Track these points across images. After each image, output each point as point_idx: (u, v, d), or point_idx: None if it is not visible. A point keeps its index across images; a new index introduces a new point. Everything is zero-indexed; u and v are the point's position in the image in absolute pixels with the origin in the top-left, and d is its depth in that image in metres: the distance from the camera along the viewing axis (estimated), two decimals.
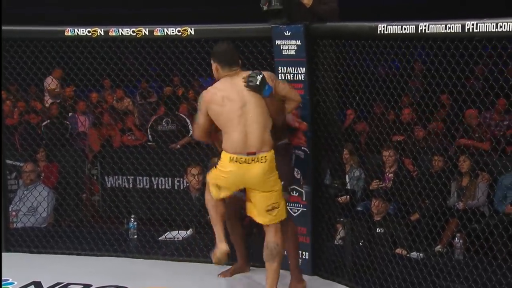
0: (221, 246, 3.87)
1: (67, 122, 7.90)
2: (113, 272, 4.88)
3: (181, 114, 7.90)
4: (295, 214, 4.74)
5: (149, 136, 7.80)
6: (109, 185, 7.32)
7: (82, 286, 4.54)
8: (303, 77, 4.58)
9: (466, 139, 6.35)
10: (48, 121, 7.86)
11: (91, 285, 4.55)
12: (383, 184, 6.00)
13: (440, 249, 5.44)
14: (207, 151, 6.57)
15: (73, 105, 8.21)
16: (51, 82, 8.53)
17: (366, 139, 5.88)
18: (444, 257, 5.10)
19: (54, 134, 6.53)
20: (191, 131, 7.53)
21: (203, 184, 5.94)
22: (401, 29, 3.88)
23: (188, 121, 7.72)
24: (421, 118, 6.35)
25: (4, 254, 5.36)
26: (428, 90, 4.18)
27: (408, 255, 5.19)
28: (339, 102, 4.60)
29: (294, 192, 4.73)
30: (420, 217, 5.64)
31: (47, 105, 8.63)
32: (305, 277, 4.66)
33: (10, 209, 5.86)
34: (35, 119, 8.04)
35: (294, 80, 4.63)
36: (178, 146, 7.43)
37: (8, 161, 6.11)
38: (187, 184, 6.33)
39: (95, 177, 7.46)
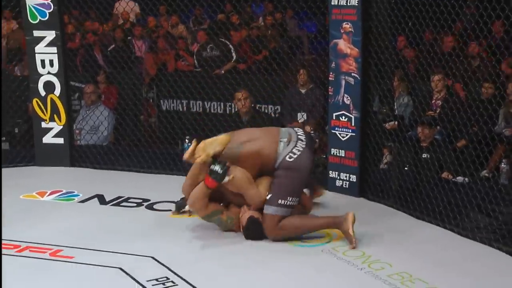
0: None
1: (132, 46, 7.96)
2: (169, 188, 5.00)
3: (224, 40, 7.77)
4: (343, 139, 4.74)
5: (195, 62, 7.78)
6: (164, 108, 7.42)
7: (141, 200, 4.70)
8: (356, 1, 4.46)
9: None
10: (113, 45, 7.94)
11: (149, 200, 4.70)
12: (432, 112, 5.89)
13: (486, 174, 5.37)
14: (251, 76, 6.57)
15: (131, 29, 8.23)
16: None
17: (417, 65, 5.75)
18: (490, 182, 5.06)
19: (121, 57, 6.58)
20: (234, 57, 7.53)
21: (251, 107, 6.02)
22: None
23: (231, 46, 7.64)
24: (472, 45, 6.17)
25: (69, 169, 5.61)
26: (484, 15, 4.00)
27: (454, 179, 5.15)
28: (391, 28, 4.48)
29: (343, 117, 4.71)
30: (468, 143, 5.56)
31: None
32: (352, 198, 4.72)
33: (74, 127, 6.05)
34: (96, 42, 8.11)
35: (347, 5, 4.53)
36: (223, 71, 7.40)
37: (72, 83, 6.24)
38: (236, 109, 6.34)
39: (151, 100, 7.56)
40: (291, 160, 3.73)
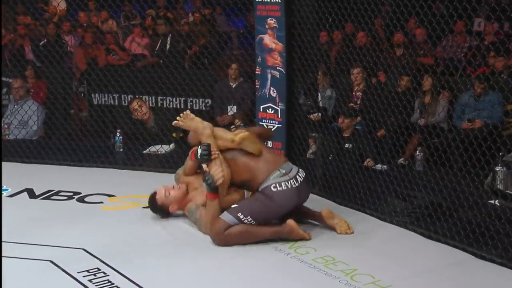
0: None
1: (64, 41, 7.75)
2: (100, 181, 4.93)
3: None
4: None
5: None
6: (95, 102, 7.27)
7: (72, 193, 4.60)
8: None
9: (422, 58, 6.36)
10: (45, 40, 7.70)
11: (80, 193, 4.61)
12: (353, 104, 6.03)
13: (402, 161, 5.56)
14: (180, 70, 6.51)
15: (59, 24, 8.01)
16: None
17: (338, 59, 5.87)
18: (406, 168, 5.24)
19: (50, 52, 6.38)
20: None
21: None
22: None
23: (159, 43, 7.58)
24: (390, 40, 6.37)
25: None
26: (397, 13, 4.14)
27: (373, 167, 5.31)
28: (313, 24, 4.56)
29: (270, 110, 4.77)
30: (386, 133, 5.73)
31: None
32: None
33: (2, 123, 5.84)
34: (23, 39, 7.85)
35: (271, 2, 4.57)
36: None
37: None
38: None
39: (82, 94, 7.39)
40: (274, 190, 3.65)
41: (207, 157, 3.75)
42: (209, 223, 3.70)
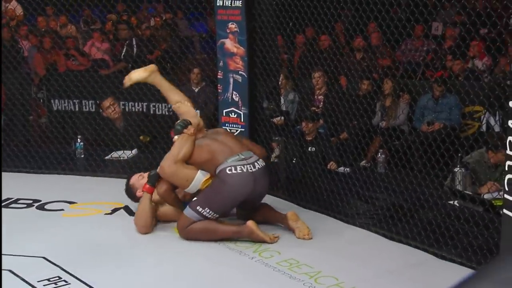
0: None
1: (20, 45, 7.59)
2: (61, 188, 4.85)
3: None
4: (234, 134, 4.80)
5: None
6: (55, 108, 7.14)
7: (31, 201, 4.51)
8: (240, 3, 4.52)
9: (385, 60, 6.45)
10: None
11: (40, 200, 4.52)
12: (315, 107, 6.07)
13: (364, 164, 5.62)
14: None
15: (16, 28, 7.85)
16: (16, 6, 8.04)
17: (299, 63, 5.91)
18: (368, 171, 5.30)
19: (6, 58, 6.24)
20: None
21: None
22: None
23: (125, 48, 7.52)
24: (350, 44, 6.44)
25: None
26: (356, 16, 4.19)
27: (336, 169, 5.35)
28: (274, 28, 4.58)
29: (233, 114, 4.77)
30: (348, 136, 5.79)
31: None
32: None
33: None
34: None
35: (231, 6, 4.57)
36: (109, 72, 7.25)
37: None
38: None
39: (41, 100, 7.25)
40: (229, 173, 3.67)
41: (181, 128, 3.82)
42: (138, 216, 3.88)
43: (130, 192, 4.15)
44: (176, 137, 3.86)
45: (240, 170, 3.69)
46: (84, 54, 7.83)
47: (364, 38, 6.48)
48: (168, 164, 3.76)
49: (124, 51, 7.76)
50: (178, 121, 3.92)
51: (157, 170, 3.87)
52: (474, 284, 0.76)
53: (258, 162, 3.81)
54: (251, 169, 3.73)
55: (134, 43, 7.75)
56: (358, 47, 6.57)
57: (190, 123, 3.88)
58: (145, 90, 6.15)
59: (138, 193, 4.07)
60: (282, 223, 3.92)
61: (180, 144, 3.78)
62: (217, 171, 3.72)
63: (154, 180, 3.85)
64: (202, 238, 3.72)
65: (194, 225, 3.70)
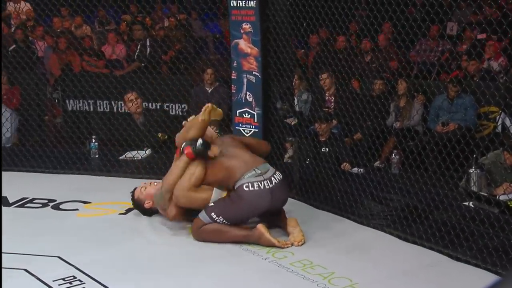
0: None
1: (34, 46, 7.65)
2: (76, 188, 4.88)
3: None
4: (247, 135, 4.80)
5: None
6: (70, 108, 7.20)
7: (46, 201, 4.54)
8: (254, 3, 4.52)
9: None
10: (14, 45, 7.60)
11: (55, 200, 4.55)
12: (327, 108, 6.06)
13: (378, 165, 5.60)
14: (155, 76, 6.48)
15: (32, 29, 7.91)
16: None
17: (313, 63, 5.90)
18: (382, 171, 5.28)
19: (22, 58, 6.30)
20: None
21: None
22: None
23: (138, 48, 7.55)
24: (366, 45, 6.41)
25: None
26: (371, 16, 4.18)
27: (350, 170, 5.34)
28: (288, 28, 4.57)
29: (246, 114, 4.77)
30: (362, 136, 5.78)
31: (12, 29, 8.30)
32: None
33: None
34: None
35: (245, 6, 4.57)
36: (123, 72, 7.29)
37: None
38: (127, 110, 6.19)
39: (56, 101, 7.31)
40: (246, 189, 3.66)
41: (204, 151, 3.72)
42: (177, 179, 3.73)
43: (139, 207, 4.13)
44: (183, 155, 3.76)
45: (257, 187, 3.67)
46: (99, 55, 7.88)
47: (372, 39, 6.46)
48: (182, 194, 3.74)
49: (137, 51, 7.80)
50: (199, 142, 3.75)
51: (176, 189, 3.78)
52: None
53: (275, 176, 3.77)
54: (268, 185, 3.70)
55: (148, 43, 7.79)
56: (366, 50, 6.55)
57: (209, 144, 3.77)
58: (159, 91, 6.19)
59: (147, 204, 4.07)
60: (283, 226, 3.88)
61: (191, 169, 3.73)
62: (235, 187, 3.71)
63: (202, 153, 3.73)
64: (213, 239, 3.72)
65: (206, 226, 3.72)
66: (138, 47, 7.77)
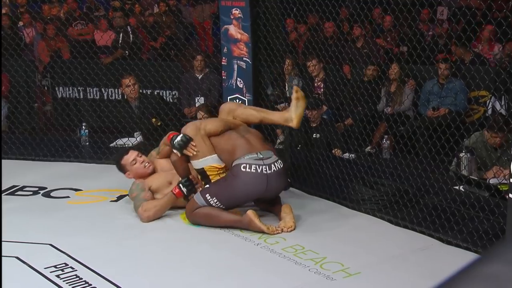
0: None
1: (21, 33, 7.56)
2: (66, 175, 4.86)
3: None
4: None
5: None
6: (60, 96, 7.15)
7: (37, 189, 4.52)
8: None
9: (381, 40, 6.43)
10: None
11: (46, 188, 4.53)
12: (317, 94, 6.05)
13: (370, 150, 5.61)
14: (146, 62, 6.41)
15: (19, 16, 7.83)
16: None
17: (303, 48, 5.88)
18: (373, 156, 5.29)
19: (10, 45, 6.22)
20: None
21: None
22: None
23: (121, 35, 7.48)
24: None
25: None
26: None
27: (341, 155, 5.35)
28: (278, 14, 4.55)
29: (237, 100, 4.76)
30: (353, 122, 5.78)
31: None
32: None
33: None
34: None
35: None
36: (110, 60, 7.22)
37: None
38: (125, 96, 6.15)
39: (46, 88, 7.25)
40: (243, 170, 3.65)
41: (181, 149, 3.77)
42: (145, 207, 3.84)
43: (121, 168, 4.18)
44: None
45: (254, 169, 3.66)
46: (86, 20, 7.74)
47: (369, 23, 6.44)
48: (192, 128, 3.81)
49: (120, 38, 7.71)
50: (180, 139, 3.80)
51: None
52: (483, 266, 0.76)
53: (276, 164, 3.75)
54: (265, 170, 3.68)
55: (129, 29, 7.69)
56: (357, 36, 6.53)
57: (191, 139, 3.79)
58: (149, 77, 6.15)
59: (128, 175, 4.12)
60: (274, 212, 3.89)
61: (213, 121, 3.93)
62: (233, 164, 3.71)
63: (188, 191, 3.84)
64: (204, 223, 3.75)
65: (199, 209, 3.75)
66: (121, 34, 7.68)
